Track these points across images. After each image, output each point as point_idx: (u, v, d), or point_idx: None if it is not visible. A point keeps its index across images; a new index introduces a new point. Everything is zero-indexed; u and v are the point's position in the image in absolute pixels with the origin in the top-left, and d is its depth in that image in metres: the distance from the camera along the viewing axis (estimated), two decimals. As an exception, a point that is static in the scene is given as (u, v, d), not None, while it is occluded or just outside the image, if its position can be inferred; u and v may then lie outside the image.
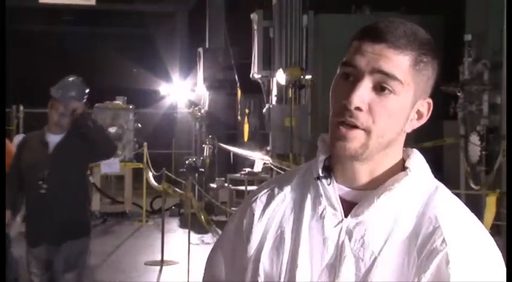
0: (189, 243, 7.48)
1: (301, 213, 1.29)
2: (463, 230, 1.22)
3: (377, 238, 1.22)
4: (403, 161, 1.30)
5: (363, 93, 1.20)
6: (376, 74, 1.21)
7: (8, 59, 10.98)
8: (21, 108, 14.47)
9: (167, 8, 19.58)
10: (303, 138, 10.53)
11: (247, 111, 12.47)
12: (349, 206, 1.26)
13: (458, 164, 10.06)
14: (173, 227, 10.99)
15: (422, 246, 1.19)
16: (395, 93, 1.21)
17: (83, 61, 22.97)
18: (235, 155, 12.28)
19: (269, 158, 10.30)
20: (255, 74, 11.19)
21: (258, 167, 10.98)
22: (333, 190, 1.28)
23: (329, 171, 1.30)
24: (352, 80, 1.23)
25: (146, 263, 8.44)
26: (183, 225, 10.93)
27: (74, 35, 22.47)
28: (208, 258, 1.47)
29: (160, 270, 8.13)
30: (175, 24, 19.40)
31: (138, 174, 11.88)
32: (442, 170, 12.35)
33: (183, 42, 19.10)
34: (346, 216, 1.25)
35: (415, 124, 1.29)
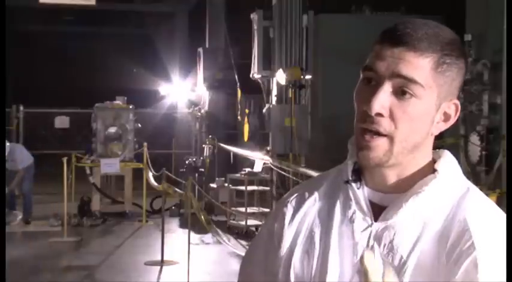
0: (189, 243, 7.48)
1: (330, 217, 1.29)
2: (493, 234, 1.18)
3: (406, 242, 1.20)
4: (433, 162, 1.28)
5: (383, 99, 1.18)
6: (396, 78, 1.19)
7: (8, 59, 11.01)
8: (21, 108, 14.46)
9: (167, 8, 19.58)
10: (303, 138, 10.53)
11: (247, 111, 12.46)
12: (379, 210, 1.25)
13: (458, 164, 10.07)
14: (173, 227, 10.99)
15: (452, 250, 1.17)
16: (416, 97, 1.19)
17: (82, 61, 23.00)
18: (235, 155, 12.27)
19: (269, 158, 10.30)
20: (255, 74, 11.18)
21: (258, 167, 10.98)
22: (363, 194, 1.27)
23: (359, 174, 1.29)
24: (374, 84, 1.21)
25: (146, 263, 8.44)
26: (183, 225, 10.93)
27: (74, 35, 22.48)
28: (241, 265, 1.48)
29: (160, 270, 8.13)
30: (175, 24, 19.40)
31: (138, 174, 11.88)
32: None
33: (183, 42, 19.10)
34: (376, 219, 1.24)
35: (442, 126, 1.26)
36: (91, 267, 8.34)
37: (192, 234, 8.25)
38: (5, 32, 10.18)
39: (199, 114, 13.63)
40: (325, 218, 1.30)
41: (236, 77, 12.55)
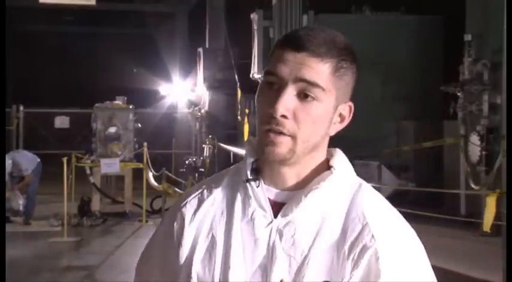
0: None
1: (231, 216, 1.31)
2: (389, 225, 1.26)
3: (307, 236, 1.25)
4: (327, 160, 1.33)
5: (287, 101, 1.23)
6: (299, 82, 1.24)
7: (8, 59, 11.01)
8: (21, 108, 14.46)
9: (167, 8, 19.59)
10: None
11: (247, 111, 12.46)
12: (278, 207, 1.28)
13: (458, 164, 10.07)
14: (173, 227, 10.98)
15: (352, 244, 1.23)
16: (318, 100, 1.25)
17: (83, 61, 23.02)
18: (235, 155, 12.28)
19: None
20: (255, 74, 11.19)
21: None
22: (262, 192, 1.30)
23: (257, 173, 1.33)
24: (276, 88, 1.26)
25: (146, 263, 8.43)
26: (183, 225, 10.93)
27: (74, 35, 22.49)
28: (138, 265, 1.48)
29: (160, 270, 8.12)
30: (175, 24, 19.41)
31: (138, 174, 11.88)
32: (442, 170, 12.36)
33: (183, 42, 19.11)
34: (276, 216, 1.27)
35: (338, 127, 1.32)
36: (91, 267, 8.34)
37: (192, 234, 8.24)
38: (5, 32, 10.18)
39: (199, 114, 13.64)
40: (226, 216, 1.32)
41: (236, 77, 12.55)
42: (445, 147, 11.38)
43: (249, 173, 1.33)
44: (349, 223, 1.25)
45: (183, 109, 16.79)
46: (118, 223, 11.55)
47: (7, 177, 10.80)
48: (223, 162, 12.83)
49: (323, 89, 1.25)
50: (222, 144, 12.37)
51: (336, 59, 1.26)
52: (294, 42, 1.26)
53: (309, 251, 1.24)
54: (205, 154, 12.59)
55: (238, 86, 12.52)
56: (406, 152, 12.28)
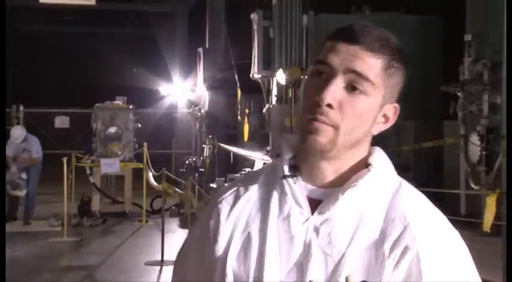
0: (189, 243, 7.47)
1: (267, 213, 1.30)
2: (431, 226, 1.25)
3: (344, 235, 1.23)
4: (367, 158, 1.32)
5: (335, 91, 1.23)
6: (349, 73, 1.24)
7: (8, 59, 11.00)
8: (21, 108, 14.45)
9: (167, 8, 19.59)
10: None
11: (247, 111, 12.46)
12: (315, 204, 1.27)
13: (458, 164, 10.07)
14: (173, 227, 10.99)
15: (393, 244, 1.21)
16: (366, 94, 1.24)
17: (83, 61, 23.02)
18: (235, 155, 12.28)
19: (269, 158, 10.30)
20: (255, 74, 11.19)
21: (258, 167, 10.98)
22: (299, 188, 1.29)
23: (294, 170, 1.31)
24: (324, 77, 1.25)
25: (146, 263, 8.44)
26: (183, 225, 10.93)
27: (74, 35, 22.49)
28: (175, 263, 1.48)
29: (160, 270, 8.13)
30: (175, 24, 19.41)
31: (138, 174, 11.88)
32: (442, 170, 12.36)
33: (183, 42, 19.11)
34: (312, 214, 1.26)
35: (382, 127, 1.31)
36: (91, 267, 8.34)
37: (192, 234, 8.24)
38: (5, 32, 10.18)
39: (199, 114, 13.63)
40: (262, 213, 1.31)
41: (236, 77, 12.55)
42: (445, 147, 11.38)
43: (286, 169, 1.32)
44: (389, 223, 1.24)
45: (183, 109, 16.79)
46: (118, 223, 11.55)
47: (12, 150, 10.83)
48: (223, 162, 12.84)
49: (372, 84, 1.24)
50: (222, 144, 12.37)
51: (389, 57, 1.26)
52: (349, 34, 1.26)
53: (346, 249, 1.22)
54: (205, 154, 12.58)
55: (238, 86, 12.52)
56: (406, 152, 12.28)
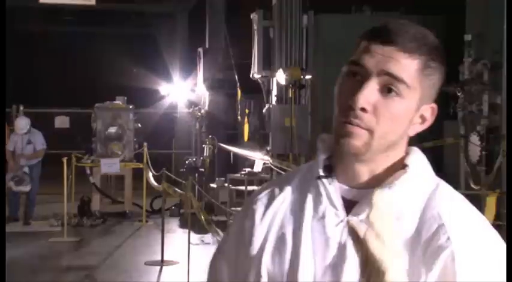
0: (189, 243, 7.48)
1: (302, 214, 1.29)
2: (467, 226, 1.22)
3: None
4: (403, 159, 1.30)
5: (369, 94, 1.20)
6: (384, 75, 1.21)
7: (8, 59, 11.01)
8: (21, 108, 14.45)
9: (167, 8, 19.58)
10: (303, 138, 10.53)
11: (247, 111, 12.46)
12: (350, 205, 1.26)
13: (458, 164, 10.06)
14: (173, 227, 10.99)
15: (427, 244, 1.19)
16: (401, 96, 1.21)
17: (83, 61, 22.99)
18: (235, 155, 12.28)
19: (269, 158, 10.30)
20: (255, 74, 11.19)
21: (258, 167, 10.98)
22: (334, 189, 1.28)
23: (330, 171, 1.30)
24: (359, 79, 1.23)
25: (146, 263, 8.44)
26: (183, 225, 10.93)
27: (74, 35, 22.47)
28: (211, 262, 1.47)
29: (160, 270, 8.13)
30: (175, 24, 19.40)
31: (138, 174, 11.88)
32: (442, 170, 12.36)
33: (183, 42, 19.10)
34: (347, 215, 1.25)
35: (418, 128, 1.29)
36: (91, 267, 8.34)
37: (192, 234, 8.26)
38: (5, 32, 10.17)
39: (199, 114, 13.63)
40: (296, 214, 1.30)
41: (236, 77, 12.55)
42: (445, 147, 11.38)
43: (321, 170, 1.30)
44: (424, 223, 1.21)
45: (183, 109, 16.78)
46: (118, 223, 11.55)
47: (16, 142, 10.82)
48: (223, 162, 12.84)
49: (408, 86, 1.21)
50: (222, 144, 12.37)
51: (426, 57, 1.22)
52: (383, 34, 1.22)
53: None
54: (205, 154, 12.58)
55: (238, 86, 12.52)
56: (406, 152, 12.25)
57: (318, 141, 1.35)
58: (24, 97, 16.29)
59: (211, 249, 9.26)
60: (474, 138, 9.12)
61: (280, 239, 1.29)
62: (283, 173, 9.85)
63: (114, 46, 22.33)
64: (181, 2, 19.02)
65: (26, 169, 10.90)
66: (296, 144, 10.20)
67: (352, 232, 1.23)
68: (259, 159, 10.81)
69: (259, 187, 1.47)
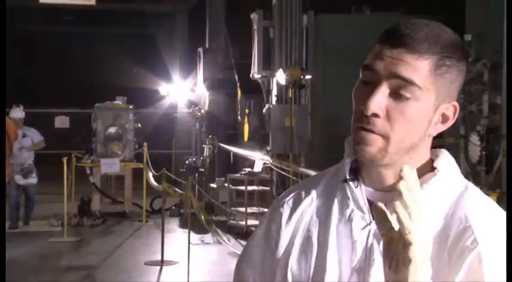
0: (189, 243, 7.48)
1: (328, 217, 1.28)
2: (494, 228, 1.19)
3: None
4: (431, 161, 1.28)
5: (380, 99, 1.18)
6: (394, 79, 1.18)
7: (8, 59, 11.00)
8: (21, 108, 14.44)
9: (167, 8, 19.58)
10: (303, 138, 10.53)
11: (247, 111, 12.46)
12: None
13: (458, 164, 10.06)
14: (173, 227, 10.99)
15: (454, 247, 1.18)
16: (414, 99, 1.18)
17: (82, 61, 22.99)
18: (235, 155, 12.28)
19: (269, 158, 10.30)
20: (255, 74, 11.19)
21: (258, 167, 10.98)
22: (361, 193, 1.27)
23: (356, 173, 1.29)
24: (371, 84, 1.21)
25: (146, 263, 8.44)
26: (183, 225, 10.93)
27: (74, 35, 22.47)
28: (237, 264, 1.47)
29: (160, 270, 8.13)
30: (175, 24, 19.40)
31: (138, 174, 11.88)
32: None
33: (183, 42, 19.09)
34: (374, 218, 1.23)
35: (440, 127, 1.26)
36: (91, 267, 8.34)
37: (192, 234, 8.26)
38: (5, 32, 10.16)
39: (199, 114, 13.63)
40: (323, 217, 1.30)
41: (236, 77, 12.55)
42: (445, 147, 11.39)
43: (347, 173, 1.28)
44: (452, 226, 1.20)
45: (183, 109, 16.78)
46: (118, 223, 11.55)
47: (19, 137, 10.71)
48: (223, 162, 12.83)
49: (420, 88, 1.18)
50: (222, 144, 12.36)
51: (438, 56, 1.19)
52: (392, 37, 1.20)
53: None
54: (205, 154, 12.58)
55: (238, 86, 12.52)
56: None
57: (345, 144, 1.32)
58: (24, 97, 16.28)
59: (211, 249, 9.27)
60: (474, 138, 9.12)
61: (307, 242, 1.29)
62: (283, 173, 9.85)
63: (114, 46, 22.33)
64: (181, 2, 19.02)
65: (31, 161, 10.83)
66: (296, 144, 10.20)
67: (378, 236, 1.20)
68: (259, 159, 10.80)
69: (286, 190, 1.46)
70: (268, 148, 10.71)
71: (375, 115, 1.19)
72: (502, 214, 1.24)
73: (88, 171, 11.81)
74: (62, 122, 16.10)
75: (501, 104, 8.54)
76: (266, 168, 10.86)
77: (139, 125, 12.75)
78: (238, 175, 11.10)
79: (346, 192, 1.28)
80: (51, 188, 12.18)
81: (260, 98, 11.76)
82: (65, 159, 10.22)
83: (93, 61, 22.70)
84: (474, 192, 1.26)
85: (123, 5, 19.33)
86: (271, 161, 10.16)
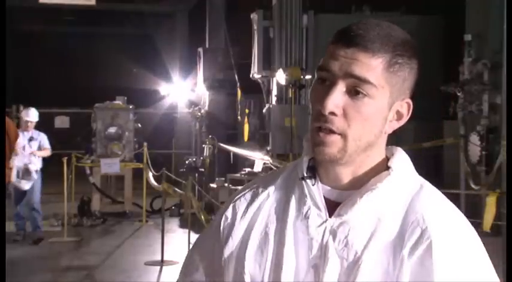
0: (189, 243, 7.48)
1: (285, 213, 1.29)
2: (450, 229, 1.22)
3: (361, 238, 1.22)
4: (387, 159, 1.30)
5: (336, 98, 1.20)
6: (349, 78, 1.21)
7: (8, 59, 11.00)
8: (21, 108, 14.45)
9: (167, 8, 19.59)
10: (303, 138, 10.53)
11: (247, 111, 12.46)
12: (333, 206, 1.26)
13: (458, 164, 10.06)
14: (173, 227, 10.99)
15: (412, 248, 1.19)
16: (369, 97, 1.21)
17: (82, 61, 23.00)
18: (235, 155, 12.27)
19: (269, 158, 10.30)
20: (255, 74, 11.19)
21: (258, 167, 10.97)
22: (318, 190, 1.28)
23: (314, 171, 1.30)
24: (327, 84, 1.23)
25: (146, 263, 8.44)
26: (183, 225, 10.93)
27: (74, 35, 22.48)
28: (189, 252, 1.47)
29: (160, 270, 8.13)
30: (175, 24, 19.40)
31: (138, 174, 11.88)
32: (442, 170, 12.36)
33: (183, 42, 19.10)
34: (330, 216, 1.25)
35: (395, 125, 1.28)
36: (91, 267, 8.34)
37: (192, 234, 8.25)
38: (5, 32, 10.16)
39: (199, 114, 13.63)
40: (280, 213, 1.31)
41: (236, 77, 12.55)
42: (445, 147, 11.38)
43: (305, 170, 1.30)
44: (408, 226, 1.21)
45: (183, 109, 16.78)
46: (118, 223, 11.55)
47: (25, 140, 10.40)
48: (223, 162, 12.83)
49: (374, 86, 1.20)
50: (222, 144, 12.37)
51: (390, 54, 1.21)
52: (345, 37, 1.23)
53: (362, 253, 1.20)
54: (205, 154, 12.58)
55: (238, 86, 12.52)
56: (406, 152, 12.27)
57: (304, 142, 1.35)
58: (24, 97, 16.30)
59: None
60: (474, 138, 9.12)
61: (263, 238, 1.30)
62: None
63: (114, 46, 22.35)
64: (181, 2, 19.02)
65: (32, 165, 10.29)
66: (296, 144, 10.20)
67: (334, 233, 1.23)
68: (259, 159, 10.80)
69: (244, 185, 1.48)
70: (268, 148, 10.71)
71: (333, 113, 1.21)
72: (458, 214, 1.27)
73: (88, 171, 11.81)
74: (62, 122, 16.11)
75: (501, 104, 8.54)
76: (266, 168, 10.86)
77: (139, 125, 12.75)
78: (238, 175, 11.10)
79: (303, 190, 1.29)
80: (51, 188, 12.18)
81: (260, 98, 11.76)
82: (65, 159, 10.21)
83: (93, 61, 22.72)
84: (429, 191, 1.28)
85: (123, 5, 19.34)
86: (271, 161, 10.16)
